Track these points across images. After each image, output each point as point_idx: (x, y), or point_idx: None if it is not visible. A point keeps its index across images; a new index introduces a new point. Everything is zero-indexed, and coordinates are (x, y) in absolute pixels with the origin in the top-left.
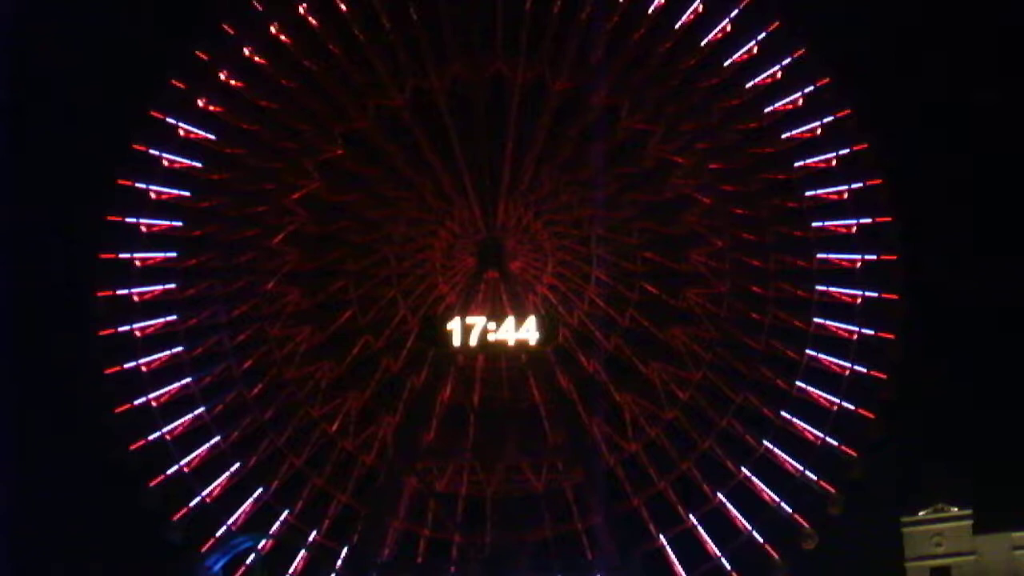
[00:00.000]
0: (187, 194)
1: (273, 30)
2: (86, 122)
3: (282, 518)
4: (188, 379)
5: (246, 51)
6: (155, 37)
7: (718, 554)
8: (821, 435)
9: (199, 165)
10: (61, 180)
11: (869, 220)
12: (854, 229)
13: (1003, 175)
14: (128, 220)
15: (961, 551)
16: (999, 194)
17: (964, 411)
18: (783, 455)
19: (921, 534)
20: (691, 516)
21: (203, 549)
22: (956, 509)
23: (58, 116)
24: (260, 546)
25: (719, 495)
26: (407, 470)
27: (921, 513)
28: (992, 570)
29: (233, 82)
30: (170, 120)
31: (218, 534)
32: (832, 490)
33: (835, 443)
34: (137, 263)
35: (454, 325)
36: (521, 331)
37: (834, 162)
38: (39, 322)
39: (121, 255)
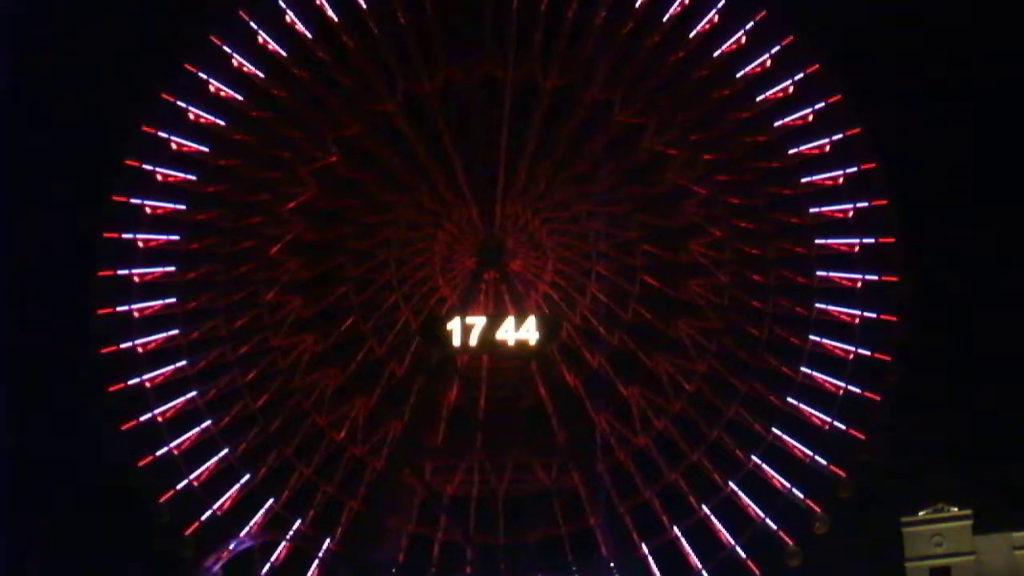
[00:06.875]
0: (183, 207)
1: (261, 40)
2: (78, 139)
3: (295, 527)
4: (193, 393)
5: (235, 62)
6: (145, 52)
7: (732, 543)
8: (829, 419)
9: (194, 178)
10: (55, 198)
11: (865, 204)
12: (851, 214)
13: (1001, 156)
14: (125, 236)
15: (961, 551)
16: (998, 175)
17: (964, 410)
18: (792, 441)
19: (921, 534)
20: (703, 507)
21: (212, 560)
22: (956, 509)
23: (50, 134)
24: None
25: (730, 484)
26: (416, 473)
27: (921, 513)
28: (992, 570)
29: (224, 93)
30: (162, 134)
31: (230, 547)
32: (842, 474)
33: (843, 427)
34: (136, 279)
35: (454, 325)
36: (521, 331)
37: (828, 148)
38: (40, 342)
39: (119, 271)
